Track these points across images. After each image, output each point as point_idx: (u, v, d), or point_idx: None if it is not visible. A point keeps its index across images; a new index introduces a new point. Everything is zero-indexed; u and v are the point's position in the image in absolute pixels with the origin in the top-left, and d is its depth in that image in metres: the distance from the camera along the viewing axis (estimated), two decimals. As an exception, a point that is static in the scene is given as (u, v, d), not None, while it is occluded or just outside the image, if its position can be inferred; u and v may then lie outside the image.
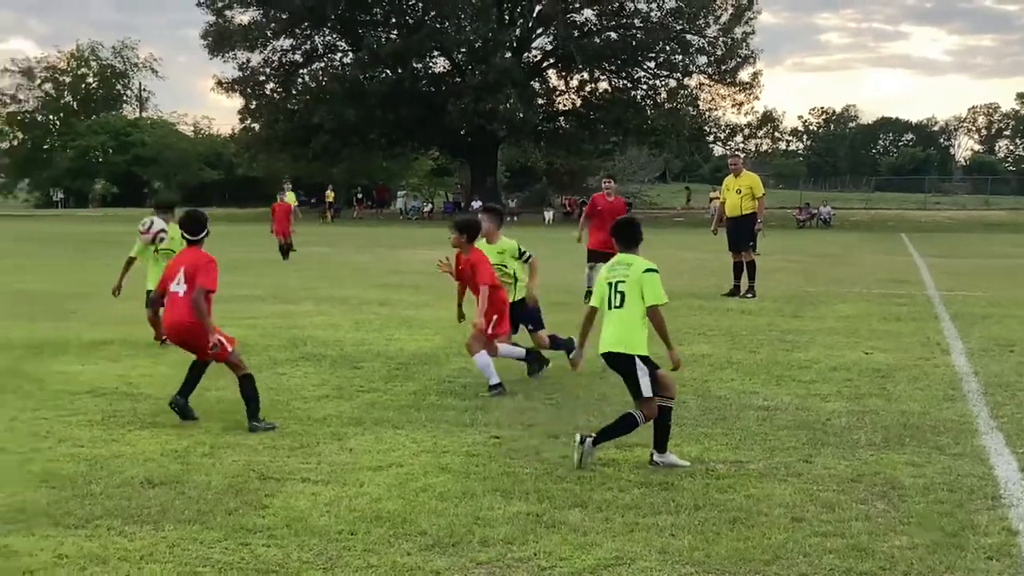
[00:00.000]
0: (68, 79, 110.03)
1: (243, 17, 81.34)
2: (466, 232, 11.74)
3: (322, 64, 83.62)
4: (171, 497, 7.51)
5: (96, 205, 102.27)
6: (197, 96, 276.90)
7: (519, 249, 12.63)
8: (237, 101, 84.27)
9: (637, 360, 8.39)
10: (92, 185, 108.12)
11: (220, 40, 79.55)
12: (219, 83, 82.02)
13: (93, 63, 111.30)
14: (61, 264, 29.67)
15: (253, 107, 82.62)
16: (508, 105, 71.25)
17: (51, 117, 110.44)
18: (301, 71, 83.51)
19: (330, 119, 73.03)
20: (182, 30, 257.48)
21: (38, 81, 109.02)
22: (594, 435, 8.41)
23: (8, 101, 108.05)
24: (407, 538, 6.76)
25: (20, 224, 64.77)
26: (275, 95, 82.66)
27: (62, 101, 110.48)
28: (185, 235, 10.20)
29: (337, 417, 10.24)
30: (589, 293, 12.94)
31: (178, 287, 9.81)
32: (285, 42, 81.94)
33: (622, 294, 8.46)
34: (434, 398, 11.20)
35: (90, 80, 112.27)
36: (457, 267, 11.86)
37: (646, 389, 8.36)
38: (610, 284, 8.55)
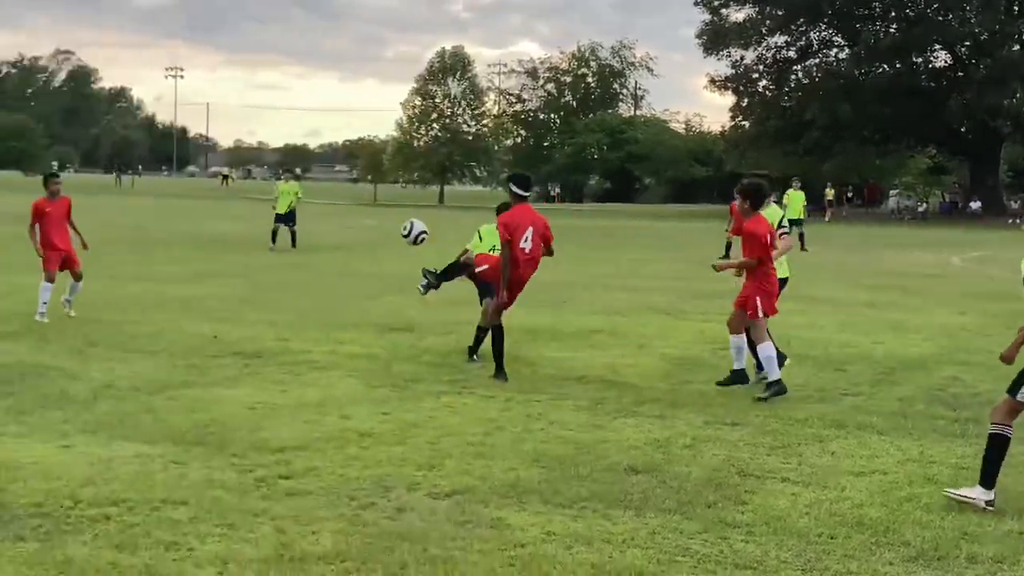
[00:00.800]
0: (569, 79, 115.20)
1: (738, 15, 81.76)
2: (750, 198, 11.15)
3: (816, 60, 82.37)
4: (653, 485, 7.72)
5: (590, 200, 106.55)
6: (689, 94, 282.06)
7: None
8: (729, 98, 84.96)
9: None
10: (587, 180, 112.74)
11: (715, 38, 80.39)
12: (712, 81, 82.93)
13: (592, 63, 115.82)
14: (558, 255, 31.15)
15: (745, 104, 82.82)
16: (1014, 100, 66.93)
17: (552, 115, 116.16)
18: (795, 67, 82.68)
19: (823, 115, 71.80)
20: (678, 29, 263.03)
21: (541, 81, 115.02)
22: None
23: (513, 100, 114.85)
24: (889, 547, 6.55)
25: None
26: (767, 92, 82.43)
27: (562, 100, 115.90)
28: (519, 191, 11.72)
29: (819, 419, 10.08)
30: None
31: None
32: (780, 39, 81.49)
33: None
34: (921, 406, 10.76)
35: (589, 79, 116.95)
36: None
37: None
38: None
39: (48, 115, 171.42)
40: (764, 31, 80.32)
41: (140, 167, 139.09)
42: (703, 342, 14.69)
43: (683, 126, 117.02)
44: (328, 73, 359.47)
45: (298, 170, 53.33)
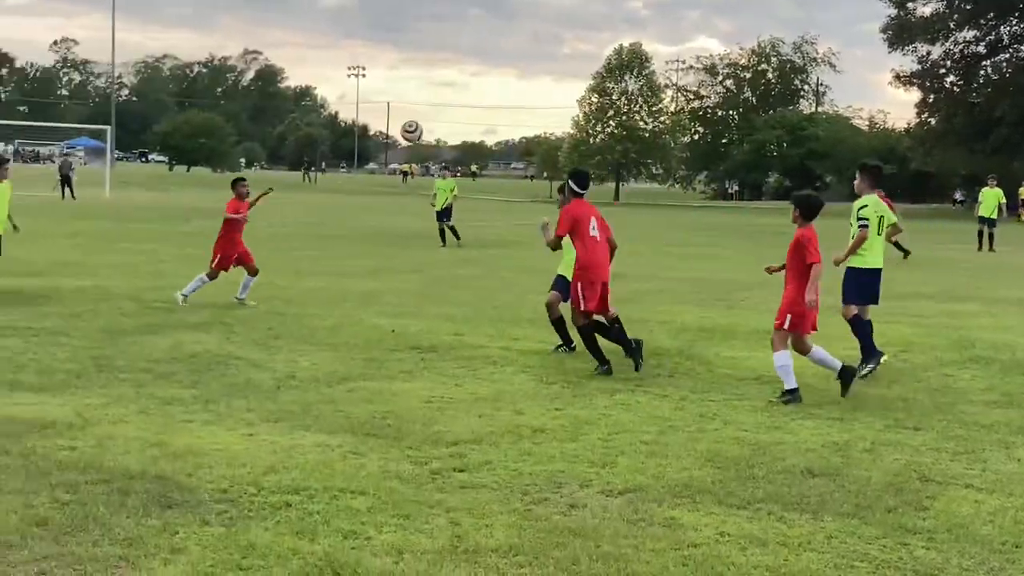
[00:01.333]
0: (748, 75, 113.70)
1: (925, 9, 79.47)
2: (800, 207, 10.90)
3: (1007, 55, 79.42)
4: (831, 489, 7.56)
5: (768, 197, 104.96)
6: (873, 90, 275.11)
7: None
8: (914, 95, 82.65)
9: None
10: (765, 178, 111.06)
11: (900, 33, 78.29)
12: (897, 76, 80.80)
13: (773, 59, 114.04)
14: (734, 254, 30.85)
15: (931, 100, 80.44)
16: None
17: (731, 112, 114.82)
18: (984, 63, 79.92)
19: (1013, 112, 69.28)
20: (863, 24, 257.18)
21: (720, 77, 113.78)
22: None
23: (692, 97, 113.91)
24: (1080, 561, 6.28)
25: (696, 215, 68.18)
26: (955, 88, 79.89)
27: (741, 96, 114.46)
28: (576, 188, 12.07)
29: (1006, 424, 9.72)
30: None
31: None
32: (968, 33, 78.86)
33: None
34: (1118, 415, 10.26)
35: (769, 75, 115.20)
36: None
37: None
38: None
39: (236, 113, 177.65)
40: (952, 25, 77.86)
41: (323, 164, 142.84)
42: (885, 344, 14.29)
43: (866, 123, 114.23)
44: (504, 71, 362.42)
45: (466, 167, 54.05)
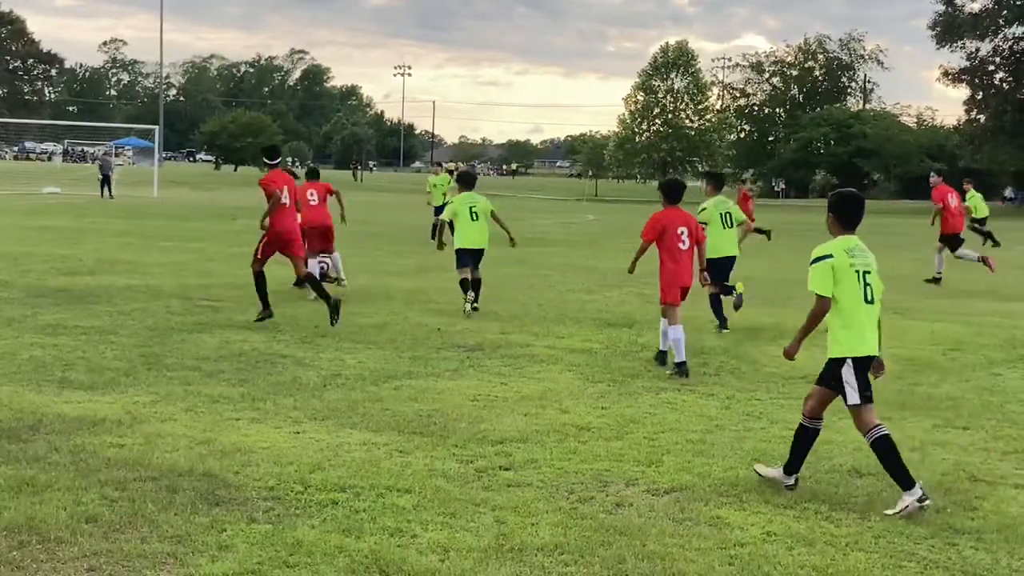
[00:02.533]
0: (795, 72, 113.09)
1: (974, 5, 78.69)
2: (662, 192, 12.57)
3: (1057, 51, 78.48)
4: (878, 489, 7.50)
5: (815, 195, 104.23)
6: (921, 87, 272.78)
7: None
8: (963, 91, 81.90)
9: None
10: (812, 176, 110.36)
11: (949, 29, 77.57)
12: (945, 73, 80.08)
13: (820, 56, 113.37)
14: (781, 252, 30.63)
15: (980, 97, 79.61)
16: None
17: (777, 110, 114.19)
18: (1036, 59, 79.00)
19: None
20: (911, 20, 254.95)
21: (766, 75, 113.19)
22: None
23: (738, 95, 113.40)
24: None
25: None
26: (1004, 84, 79.00)
27: (788, 94, 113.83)
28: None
29: (1058, 425, 9.60)
30: None
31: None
32: (1017, 29, 78.05)
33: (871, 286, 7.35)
34: None
35: (816, 73, 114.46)
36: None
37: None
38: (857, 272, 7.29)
39: (283, 112, 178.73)
40: (1001, 21, 77.03)
41: (372, 164, 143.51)
42: (934, 343, 14.18)
43: (914, 120, 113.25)
44: (550, 69, 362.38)
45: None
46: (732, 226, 15.50)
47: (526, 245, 30.47)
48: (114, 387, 10.12)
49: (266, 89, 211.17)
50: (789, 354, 7.80)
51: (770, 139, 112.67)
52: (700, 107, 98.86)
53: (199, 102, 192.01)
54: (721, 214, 15.32)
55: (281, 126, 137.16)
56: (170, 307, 15.48)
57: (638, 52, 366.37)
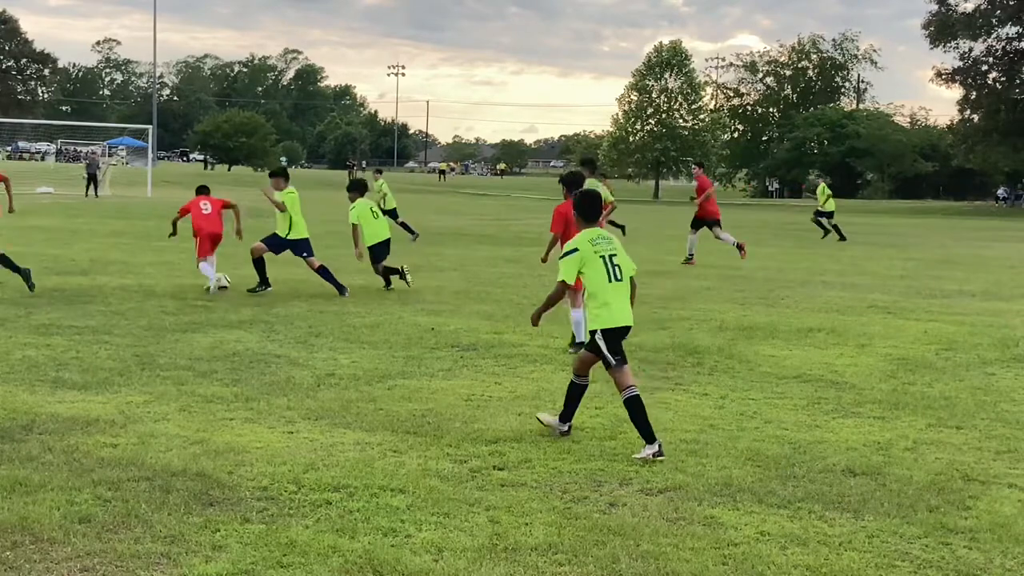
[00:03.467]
0: (788, 72, 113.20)
1: (967, 5, 78.86)
2: (567, 187, 12.99)
3: (1051, 50, 78.62)
4: (872, 488, 7.51)
5: (808, 195, 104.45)
6: (915, 86, 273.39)
7: None
8: (956, 91, 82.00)
9: None
10: (806, 175, 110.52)
11: (942, 29, 77.72)
12: (938, 73, 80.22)
13: (813, 56, 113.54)
14: (775, 251, 30.66)
15: (973, 97, 79.76)
16: None
17: (771, 109, 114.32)
18: (1023, 59, 79.13)
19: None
20: (904, 20, 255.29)
21: (760, 75, 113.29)
22: None
23: (732, 94, 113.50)
24: None
25: (737, 213, 67.80)
26: (997, 84, 79.15)
27: (782, 94, 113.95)
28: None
29: (1051, 425, 9.62)
30: None
31: None
32: (1011, 29, 78.16)
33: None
34: None
35: (810, 73, 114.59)
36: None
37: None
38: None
39: (276, 112, 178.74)
40: (994, 21, 77.17)
41: (364, 163, 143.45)
42: (927, 342, 14.20)
43: (908, 120, 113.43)
44: (544, 69, 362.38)
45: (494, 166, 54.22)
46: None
47: (520, 245, 30.48)
48: (108, 387, 10.10)
49: (260, 89, 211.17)
50: (532, 321, 9.54)
51: (764, 139, 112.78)
52: (694, 107, 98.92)
53: (193, 102, 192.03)
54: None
55: (275, 126, 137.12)
56: (164, 307, 15.47)
57: (632, 52, 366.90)
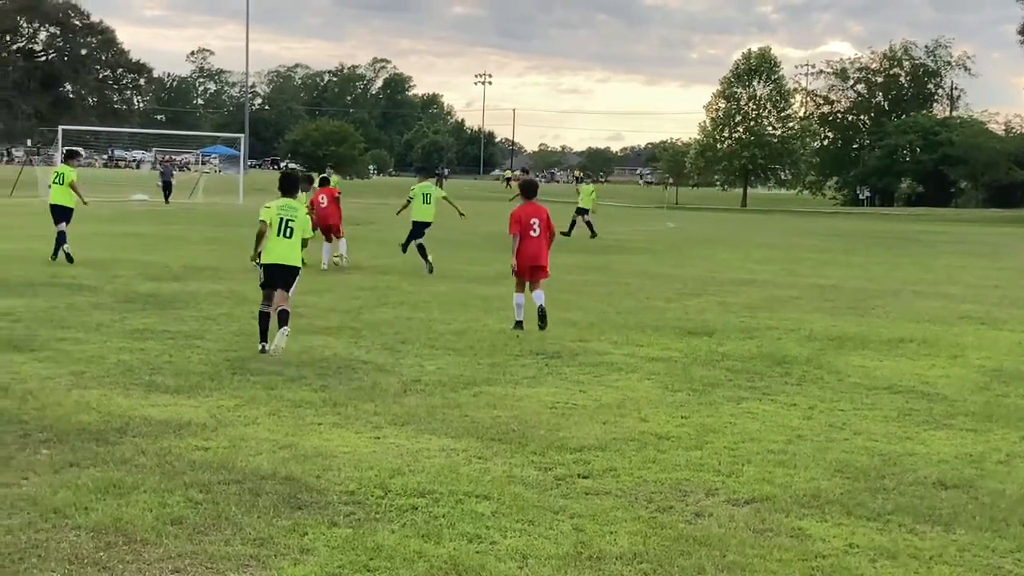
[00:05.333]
0: (880, 79, 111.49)
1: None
2: (523, 191, 15.84)
3: None
4: (963, 501, 7.38)
5: (901, 204, 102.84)
6: (1010, 93, 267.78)
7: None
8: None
9: None
10: (898, 183, 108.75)
11: (1037, 34, 76.05)
12: (1035, 78, 78.54)
13: (905, 63, 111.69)
14: (865, 260, 30.26)
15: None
16: None
17: (861, 117, 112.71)
18: None
19: None
20: (999, 26, 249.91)
21: (851, 82, 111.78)
22: None
23: (822, 101, 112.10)
24: None
25: (827, 221, 67.03)
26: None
27: (873, 101, 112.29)
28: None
29: None
30: None
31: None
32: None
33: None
34: None
35: (902, 79, 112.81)
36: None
37: None
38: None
39: (365, 121, 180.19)
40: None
41: (447, 170, 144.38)
42: (1021, 354, 13.91)
43: (1002, 127, 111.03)
44: (632, 77, 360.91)
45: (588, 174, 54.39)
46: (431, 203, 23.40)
47: (605, 252, 30.42)
48: (199, 391, 10.28)
49: (349, 98, 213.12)
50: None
51: (854, 146, 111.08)
52: (783, 114, 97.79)
53: (284, 111, 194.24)
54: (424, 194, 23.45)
55: (363, 134, 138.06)
56: (254, 313, 15.64)
57: (721, 59, 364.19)
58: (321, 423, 9.17)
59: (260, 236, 12.88)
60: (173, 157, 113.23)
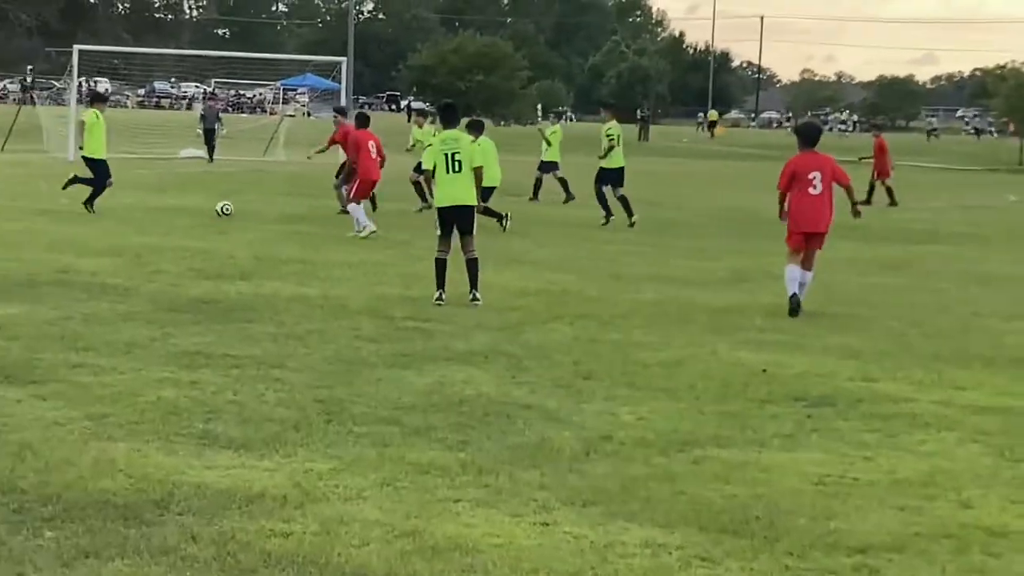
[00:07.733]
0: None
1: None
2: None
3: None
4: None
5: None
6: None
7: None
8: None
9: None
10: None
11: None
12: None
13: None
14: None
15: None
16: None
17: None
18: None
19: None
20: None
21: None
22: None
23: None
24: None
25: None
26: None
27: None
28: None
29: None
30: None
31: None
32: None
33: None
34: None
35: None
36: None
37: None
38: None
39: (530, 36, 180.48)
40: None
41: (657, 110, 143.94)
42: None
43: None
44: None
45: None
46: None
47: (907, 242, 30.00)
48: (278, 447, 10.41)
49: (504, 3, 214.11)
50: None
51: None
52: None
53: (407, 21, 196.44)
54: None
55: (527, 57, 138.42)
56: (360, 329, 15.83)
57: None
58: (459, 499, 9.22)
59: (428, 184, 19.36)
60: (240, 93, 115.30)
